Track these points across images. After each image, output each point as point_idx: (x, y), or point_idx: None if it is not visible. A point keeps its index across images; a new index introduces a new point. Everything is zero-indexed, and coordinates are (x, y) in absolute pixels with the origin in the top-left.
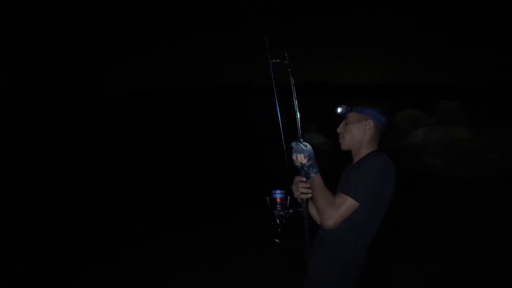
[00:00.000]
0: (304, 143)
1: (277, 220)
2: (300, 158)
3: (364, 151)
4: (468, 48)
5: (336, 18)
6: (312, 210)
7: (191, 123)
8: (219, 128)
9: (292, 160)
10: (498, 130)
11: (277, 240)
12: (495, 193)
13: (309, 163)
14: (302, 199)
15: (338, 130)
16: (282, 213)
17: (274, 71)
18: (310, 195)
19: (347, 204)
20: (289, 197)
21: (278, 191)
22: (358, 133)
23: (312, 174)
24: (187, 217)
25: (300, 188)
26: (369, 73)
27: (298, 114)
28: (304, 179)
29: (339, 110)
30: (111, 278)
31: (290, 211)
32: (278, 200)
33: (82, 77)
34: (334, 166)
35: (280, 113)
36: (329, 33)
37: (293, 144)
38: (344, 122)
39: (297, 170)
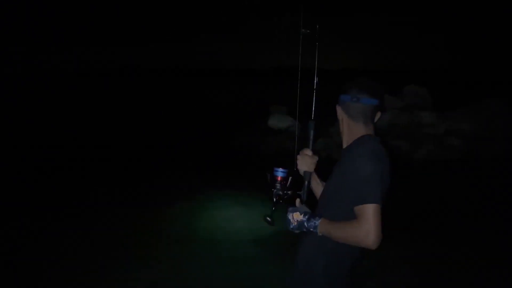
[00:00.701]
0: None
1: (274, 199)
2: (296, 216)
3: (348, 136)
4: (435, 35)
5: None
6: (314, 185)
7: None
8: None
9: (290, 223)
10: (460, 114)
11: (268, 218)
12: (453, 174)
13: (306, 217)
14: (305, 172)
15: None
16: (280, 192)
17: (302, 45)
18: (313, 168)
19: (372, 212)
20: (290, 178)
21: (280, 169)
22: (340, 124)
23: (317, 223)
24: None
25: (306, 162)
26: (340, 58)
27: (315, 93)
28: (311, 152)
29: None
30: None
31: (289, 192)
32: (279, 178)
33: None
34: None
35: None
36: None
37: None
38: None
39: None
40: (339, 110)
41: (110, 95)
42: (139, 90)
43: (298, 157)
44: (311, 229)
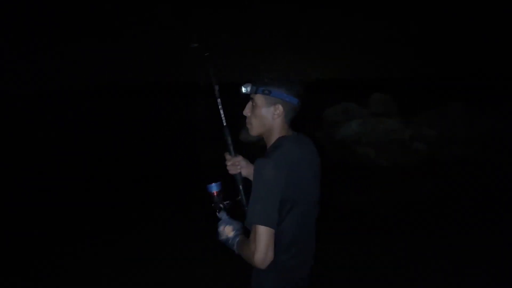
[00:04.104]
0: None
1: (217, 212)
2: (228, 231)
3: (275, 138)
4: (397, 44)
5: (276, 15)
6: None
7: (126, 120)
8: (154, 125)
9: (220, 234)
10: (424, 120)
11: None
12: (419, 179)
13: (234, 234)
14: (235, 176)
15: (244, 113)
16: (220, 205)
17: (198, 61)
18: (239, 170)
19: (261, 234)
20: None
21: (213, 184)
22: (266, 119)
23: (235, 243)
24: (122, 216)
25: (228, 167)
26: (307, 69)
27: (219, 100)
28: (230, 156)
29: (243, 90)
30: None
31: (228, 201)
32: (215, 193)
33: None
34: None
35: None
36: (269, 29)
37: (221, 215)
38: (250, 103)
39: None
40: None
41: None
42: (103, 109)
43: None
44: (232, 247)
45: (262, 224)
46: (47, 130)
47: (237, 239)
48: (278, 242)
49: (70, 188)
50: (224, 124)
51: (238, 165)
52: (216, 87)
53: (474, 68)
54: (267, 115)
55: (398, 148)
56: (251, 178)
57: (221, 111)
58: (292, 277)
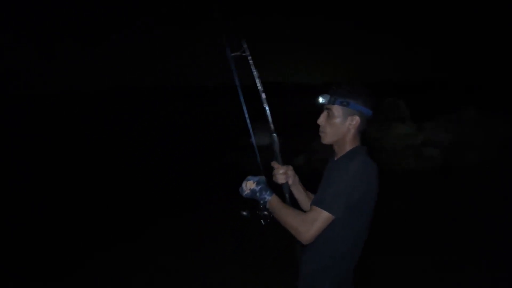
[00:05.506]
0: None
1: (262, 222)
2: (250, 185)
3: (348, 147)
4: (411, 48)
5: (287, 19)
6: (297, 194)
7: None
8: (181, 126)
9: (242, 190)
10: (437, 125)
11: (244, 213)
12: (432, 184)
13: (259, 187)
14: (282, 184)
15: (319, 122)
16: (265, 212)
17: (235, 65)
18: (287, 179)
19: (322, 218)
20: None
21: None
22: (342, 129)
23: (267, 197)
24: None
25: (277, 175)
26: (319, 73)
27: (267, 107)
28: (278, 165)
29: (320, 100)
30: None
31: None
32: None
33: None
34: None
35: (246, 109)
36: (280, 34)
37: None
38: (325, 113)
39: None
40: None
41: (94, 115)
42: (121, 110)
43: (273, 173)
44: (261, 201)
45: (329, 212)
46: (54, 131)
47: (270, 196)
48: (339, 248)
49: (84, 190)
50: (273, 132)
51: (287, 175)
52: (263, 95)
53: (488, 72)
54: (342, 125)
55: (411, 154)
56: (294, 188)
57: (270, 118)
58: (345, 279)
